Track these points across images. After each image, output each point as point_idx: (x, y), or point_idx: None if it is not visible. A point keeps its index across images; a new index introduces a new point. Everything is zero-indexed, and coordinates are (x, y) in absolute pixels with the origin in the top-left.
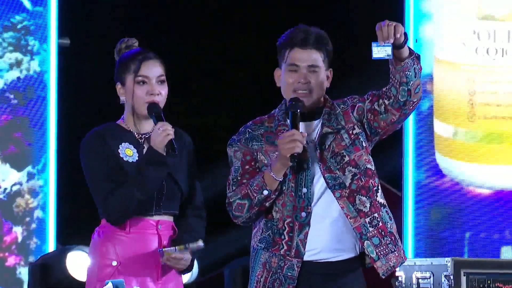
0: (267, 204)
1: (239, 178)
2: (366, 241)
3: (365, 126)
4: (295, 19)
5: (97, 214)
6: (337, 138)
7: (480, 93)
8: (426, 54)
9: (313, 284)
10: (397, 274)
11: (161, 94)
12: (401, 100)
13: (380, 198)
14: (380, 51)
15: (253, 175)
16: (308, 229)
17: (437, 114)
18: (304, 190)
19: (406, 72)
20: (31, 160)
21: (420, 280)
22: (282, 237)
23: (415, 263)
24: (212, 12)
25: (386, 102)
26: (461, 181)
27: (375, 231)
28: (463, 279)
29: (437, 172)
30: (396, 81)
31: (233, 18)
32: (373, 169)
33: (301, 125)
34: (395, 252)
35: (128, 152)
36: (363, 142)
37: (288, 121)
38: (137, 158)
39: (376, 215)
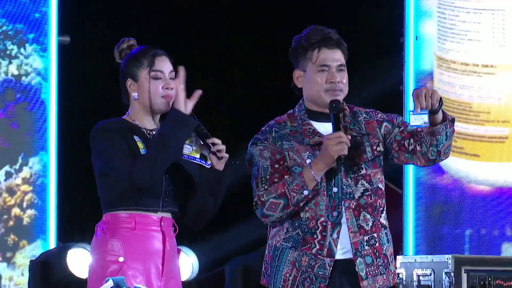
0: (301, 204)
1: (268, 177)
2: (359, 258)
3: (384, 148)
4: (295, 19)
5: (97, 211)
6: (360, 148)
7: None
8: (426, 51)
9: (343, 283)
10: (397, 271)
11: (173, 89)
12: (431, 158)
13: (383, 220)
14: (417, 119)
15: (282, 174)
16: (340, 228)
17: None
18: (335, 189)
19: (437, 137)
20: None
21: (420, 277)
22: (315, 236)
23: (415, 260)
24: (212, 11)
25: (418, 148)
26: (462, 178)
27: (370, 250)
28: (464, 276)
29: (437, 169)
30: (427, 141)
31: (234, 18)
32: (383, 190)
33: (321, 125)
34: (384, 275)
35: (140, 146)
36: (381, 162)
37: (312, 122)
38: None
39: (375, 235)
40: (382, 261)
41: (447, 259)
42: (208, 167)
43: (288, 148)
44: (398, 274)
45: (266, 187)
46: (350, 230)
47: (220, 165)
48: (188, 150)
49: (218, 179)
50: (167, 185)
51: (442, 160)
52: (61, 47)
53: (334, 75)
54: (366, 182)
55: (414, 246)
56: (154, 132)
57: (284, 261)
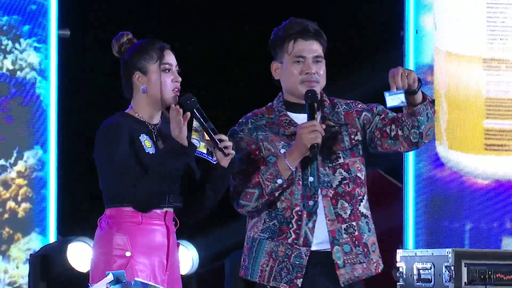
0: (277, 194)
1: (244, 167)
2: (336, 246)
3: (366, 137)
4: (295, 13)
5: (97, 205)
6: (337, 137)
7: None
8: (427, 44)
9: (317, 274)
10: (398, 265)
11: (180, 82)
12: (413, 141)
13: (363, 209)
14: (394, 100)
15: (258, 165)
16: (316, 218)
17: (437, 104)
18: (311, 179)
19: (418, 117)
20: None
21: (421, 271)
22: (290, 225)
23: (415, 254)
24: (213, 6)
25: (400, 132)
26: (461, 171)
27: (349, 239)
28: (464, 270)
29: (438, 163)
30: (408, 123)
31: (234, 13)
32: (363, 178)
33: (299, 116)
34: (363, 264)
35: (147, 144)
36: (361, 151)
37: (289, 113)
38: (154, 150)
39: (354, 223)
40: (361, 250)
41: (447, 252)
42: (214, 163)
43: (263, 139)
44: (398, 267)
45: (241, 177)
46: (328, 218)
47: (225, 162)
48: (196, 145)
49: (222, 175)
50: None
51: (425, 142)
52: (61, 41)
53: (309, 67)
54: (344, 171)
55: (414, 239)
56: (157, 126)
57: (261, 251)
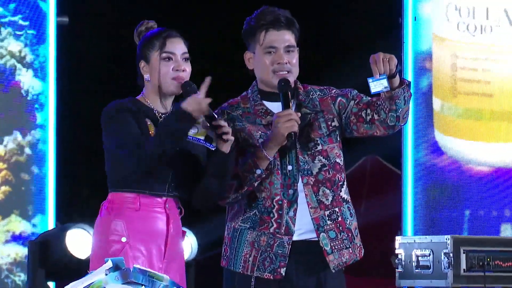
0: (256, 184)
1: None
2: (322, 233)
3: (342, 122)
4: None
5: (96, 192)
6: (314, 124)
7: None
8: (425, 32)
9: (302, 262)
10: (396, 251)
11: (186, 71)
12: (390, 124)
13: (344, 194)
14: (377, 85)
15: (236, 156)
16: (297, 206)
17: (436, 91)
18: (290, 167)
19: (396, 101)
20: None
21: (419, 258)
22: (271, 215)
23: (414, 240)
24: None
25: (375, 117)
26: (460, 159)
27: (333, 225)
28: (463, 256)
29: (436, 150)
30: (385, 107)
31: None
32: (342, 164)
33: (274, 105)
34: (349, 249)
35: (151, 129)
36: (338, 136)
37: (265, 102)
38: None
39: (336, 209)
40: (346, 235)
41: (446, 239)
42: (213, 149)
43: (240, 129)
44: (397, 254)
45: None
46: (310, 206)
47: (226, 147)
48: (194, 131)
49: (224, 161)
50: (174, 171)
51: (401, 126)
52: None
53: (281, 57)
54: (323, 158)
55: (413, 226)
56: (165, 116)
57: (243, 242)
